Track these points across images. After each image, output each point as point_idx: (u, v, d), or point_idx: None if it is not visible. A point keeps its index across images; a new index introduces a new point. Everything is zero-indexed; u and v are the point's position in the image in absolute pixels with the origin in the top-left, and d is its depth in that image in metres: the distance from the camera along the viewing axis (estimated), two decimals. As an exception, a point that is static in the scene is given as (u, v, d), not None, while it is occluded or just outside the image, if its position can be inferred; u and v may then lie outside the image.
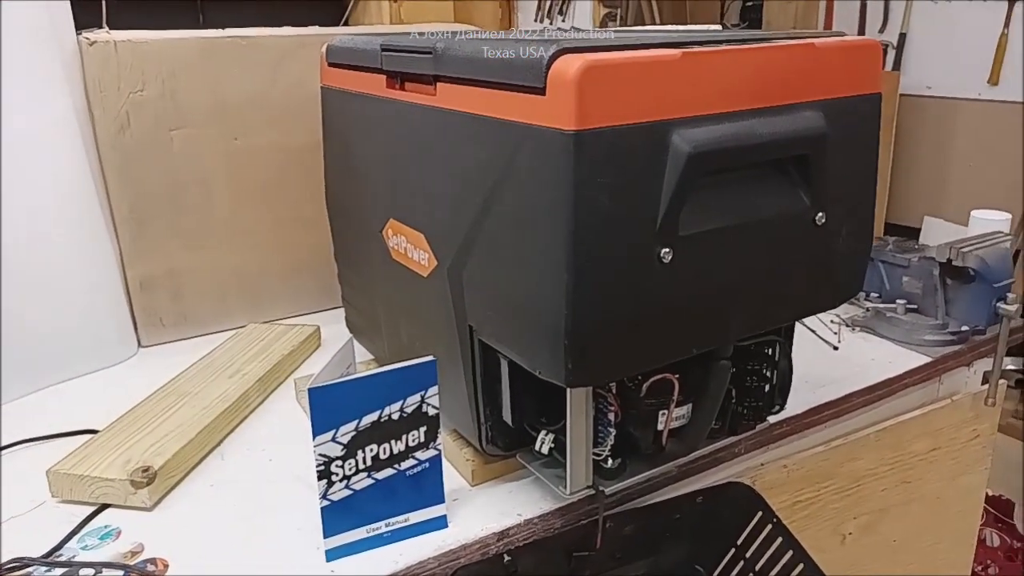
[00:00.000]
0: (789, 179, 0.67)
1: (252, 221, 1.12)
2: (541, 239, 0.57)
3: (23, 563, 0.64)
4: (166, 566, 0.65)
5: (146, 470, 0.72)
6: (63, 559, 0.66)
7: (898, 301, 1.11)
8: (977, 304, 1.05)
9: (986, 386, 1.07)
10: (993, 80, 2.44)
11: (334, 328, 1.08)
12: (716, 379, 0.71)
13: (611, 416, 0.69)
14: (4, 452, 0.82)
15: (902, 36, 2.64)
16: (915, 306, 1.10)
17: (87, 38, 0.99)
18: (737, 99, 0.60)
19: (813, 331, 1.12)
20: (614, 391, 0.69)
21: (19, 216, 0.92)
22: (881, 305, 1.12)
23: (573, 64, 0.53)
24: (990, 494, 1.83)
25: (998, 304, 1.04)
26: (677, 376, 0.70)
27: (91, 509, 0.72)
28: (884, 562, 1.11)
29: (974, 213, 1.20)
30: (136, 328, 1.08)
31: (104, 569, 0.64)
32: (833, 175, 0.68)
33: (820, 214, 0.68)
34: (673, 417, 0.72)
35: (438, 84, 0.68)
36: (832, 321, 1.15)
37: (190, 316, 1.10)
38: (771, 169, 0.66)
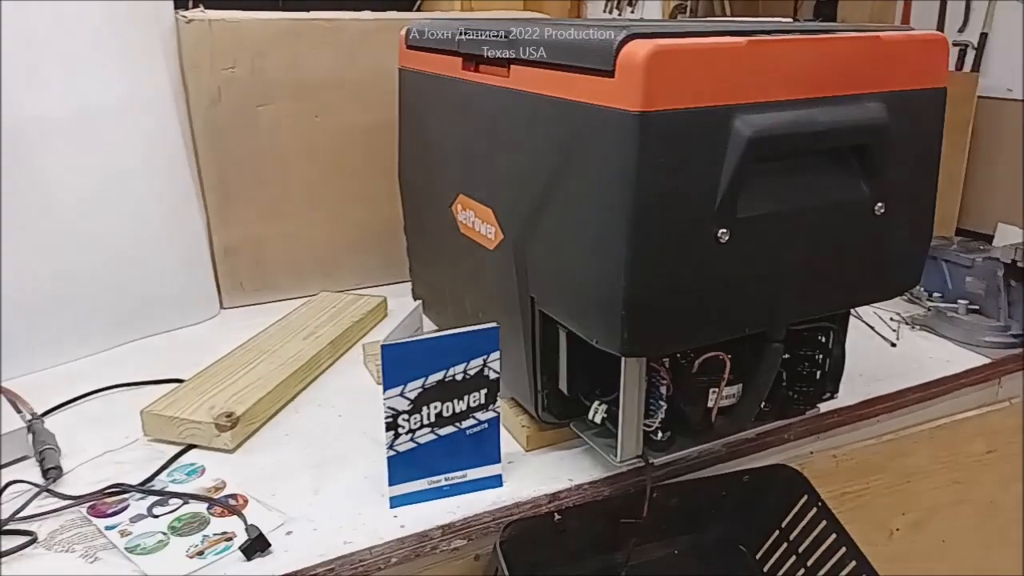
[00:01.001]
0: (850, 168, 0.68)
1: (327, 195, 1.18)
2: (604, 214, 0.61)
3: (122, 488, 0.71)
4: (245, 501, 0.71)
5: (229, 415, 0.78)
6: (155, 489, 0.72)
7: (960, 301, 1.10)
8: (1042, 307, 1.04)
9: (1048, 391, 1.06)
10: (1080, 84, 2.35)
11: (400, 300, 1.14)
12: (767, 361, 0.73)
13: (663, 390, 0.72)
14: (102, 394, 0.90)
15: (983, 36, 2.56)
16: (977, 307, 1.10)
17: (184, 16, 1.06)
18: (800, 87, 0.62)
19: (872, 327, 1.12)
20: (667, 366, 0.72)
21: (118, 181, 1.00)
22: (943, 304, 1.12)
23: (642, 48, 0.56)
24: (1051, 508, 1.77)
25: (1064, 308, 1.03)
26: (729, 356, 0.72)
27: (178, 448, 0.79)
28: (932, 561, 1.11)
29: (1045, 217, 1.18)
30: (219, 291, 1.15)
31: (191, 500, 0.71)
32: (894, 167, 0.69)
33: (879, 204, 0.70)
34: (723, 395, 0.74)
35: (512, 67, 0.72)
36: (892, 318, 1.15)
37: (268, 282, 1.17)
38: (832, 158, 0.68)
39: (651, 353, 0.69)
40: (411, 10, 2.19)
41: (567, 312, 0.70)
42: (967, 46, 2.69)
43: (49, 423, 0.83)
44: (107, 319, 1.02)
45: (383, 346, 0.66)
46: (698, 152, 0.59)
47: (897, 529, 1.05)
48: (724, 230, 0.62)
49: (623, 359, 0.69)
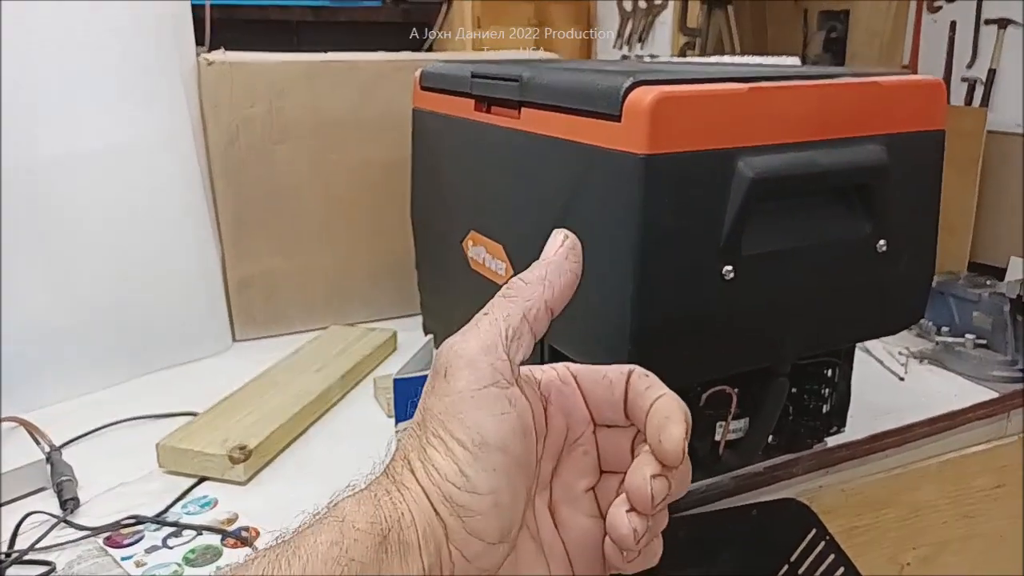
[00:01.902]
0: (851, 208, 0.70)
1: (339, 230, 1.20)
2: (611, 252, 0.62)
3: (138, 520, 0.72)
4: (258, 534, 0.72)
5: (242, 448, 0.80)
6: (170, 520, 0.73)
7: (967, 336, 1.11)
8: (1049, 342, 1.05)
9: (1057, 426, 1.06)
10: (1087, 118, 2.37)
11: (410, 334, 1.15)
12: (773, 395, 0.74)
13: (670, 424, 0.73)
14: (118, 426, 0.92)
15: (991, 72, 2.58)
16: (984, 341, 1.10)
17: (206, 58, 1.09)
18: (801, 131, 0.64)
19: (880, 361, 1.13)
20: (674, 400, 0.73)
21: (138, 217, 1.03)
22: (950, 339, 1.12)
23: (647, 95, 0.58)
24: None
25: (1071, 343, 1.03)
26: (736, 390, 0.73)
27: (192, 480, 0.80)
28: (944, 597, 1.10)
29: (1052, 251, 1.19)
30: (232, 324, 1.17)
31: (205, 531, 0.72)
32: (895, 205, 0.71)
33: (881, 242, 0.71)
34: (730, 429, 0.75)
35: (522, 109, 0.74)
36: (900, 353, 1.15)
37: (280, 315, 1.19)
38: (834, 197, 0.70)
39: (658, 388, 0.70)
40: (423, 50, 2.24)
41: (576, 346, 0.71)
42: (976, 81, 2.71)
43: (66, 454, 0.84)
44: (124, 352, 1.04)
45: (395, 379, 0.68)
46: (702, 193, 0.61)
47: (908, 564, 1.05)
48: (729, 267, 0.63)
49: (630, 393, 0.70)
